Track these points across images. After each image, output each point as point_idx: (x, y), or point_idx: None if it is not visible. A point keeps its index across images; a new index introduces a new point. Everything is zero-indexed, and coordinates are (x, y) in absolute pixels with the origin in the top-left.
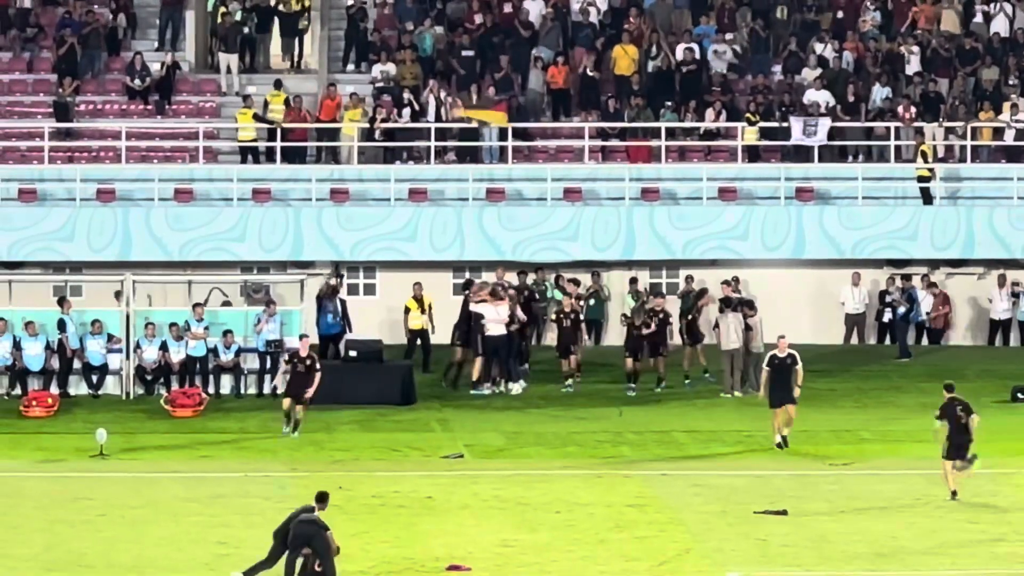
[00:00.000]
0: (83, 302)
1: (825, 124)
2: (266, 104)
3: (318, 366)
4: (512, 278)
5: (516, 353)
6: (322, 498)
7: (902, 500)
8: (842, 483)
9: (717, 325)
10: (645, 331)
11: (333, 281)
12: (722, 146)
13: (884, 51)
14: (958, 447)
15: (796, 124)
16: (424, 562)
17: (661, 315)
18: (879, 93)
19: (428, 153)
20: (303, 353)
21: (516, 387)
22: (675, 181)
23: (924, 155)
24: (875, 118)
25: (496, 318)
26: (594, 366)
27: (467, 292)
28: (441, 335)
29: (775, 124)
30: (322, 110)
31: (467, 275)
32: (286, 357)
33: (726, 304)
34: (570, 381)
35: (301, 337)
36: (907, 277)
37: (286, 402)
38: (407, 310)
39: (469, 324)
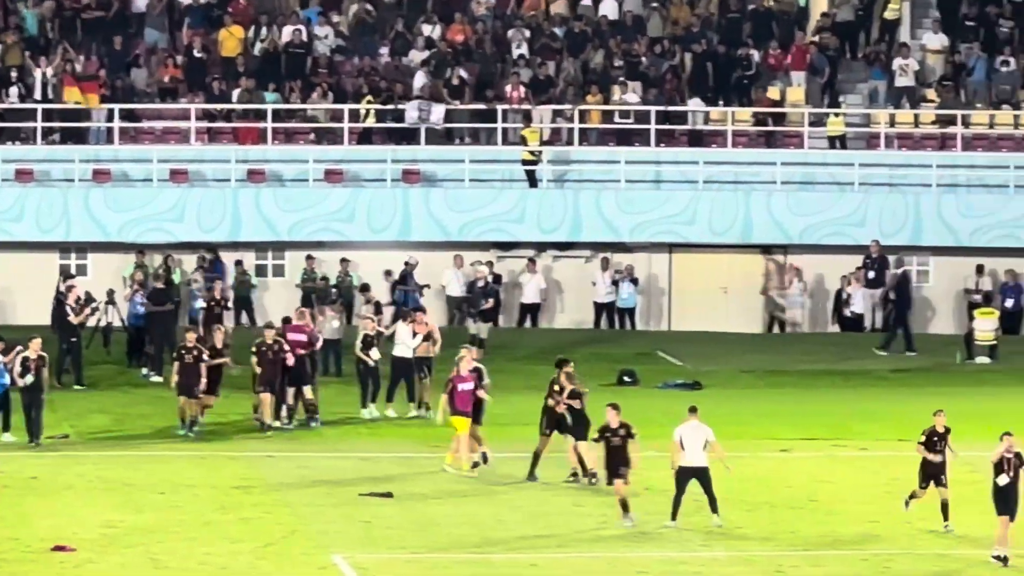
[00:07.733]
0: None
1: (439, 108)
2: None
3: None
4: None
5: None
6: None
7: (507, 483)
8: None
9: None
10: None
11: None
12: (329, 128)
13: (491, 34)
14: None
15: (411, 108)
16: (30, 543)
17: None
18: (489, 76)
19: (35, 134)
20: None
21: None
22: (282, 163)
23: (524, 139)
24: (483, 100)
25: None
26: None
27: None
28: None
29: (383, 107)
30: None
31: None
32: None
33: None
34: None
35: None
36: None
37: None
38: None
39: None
